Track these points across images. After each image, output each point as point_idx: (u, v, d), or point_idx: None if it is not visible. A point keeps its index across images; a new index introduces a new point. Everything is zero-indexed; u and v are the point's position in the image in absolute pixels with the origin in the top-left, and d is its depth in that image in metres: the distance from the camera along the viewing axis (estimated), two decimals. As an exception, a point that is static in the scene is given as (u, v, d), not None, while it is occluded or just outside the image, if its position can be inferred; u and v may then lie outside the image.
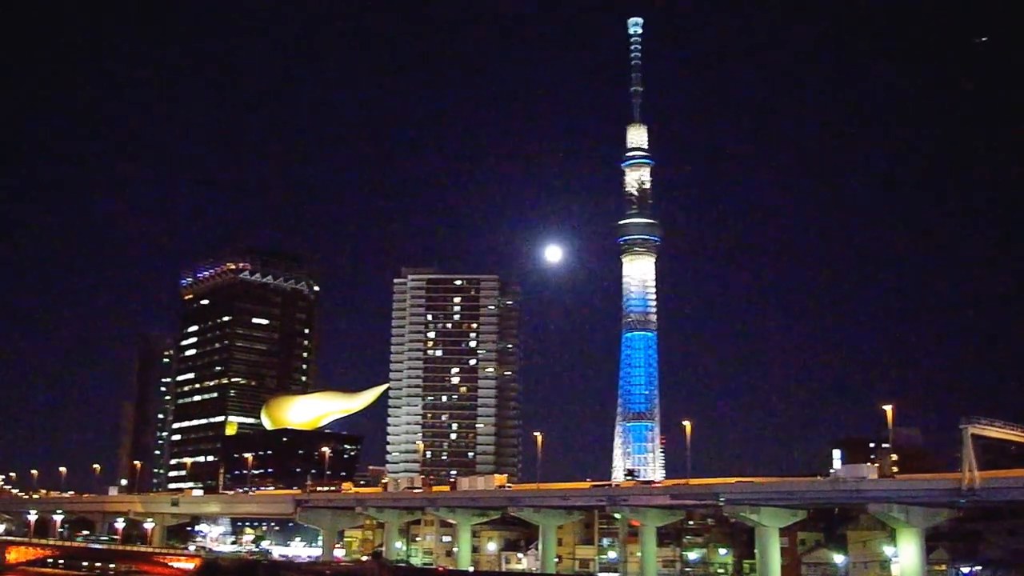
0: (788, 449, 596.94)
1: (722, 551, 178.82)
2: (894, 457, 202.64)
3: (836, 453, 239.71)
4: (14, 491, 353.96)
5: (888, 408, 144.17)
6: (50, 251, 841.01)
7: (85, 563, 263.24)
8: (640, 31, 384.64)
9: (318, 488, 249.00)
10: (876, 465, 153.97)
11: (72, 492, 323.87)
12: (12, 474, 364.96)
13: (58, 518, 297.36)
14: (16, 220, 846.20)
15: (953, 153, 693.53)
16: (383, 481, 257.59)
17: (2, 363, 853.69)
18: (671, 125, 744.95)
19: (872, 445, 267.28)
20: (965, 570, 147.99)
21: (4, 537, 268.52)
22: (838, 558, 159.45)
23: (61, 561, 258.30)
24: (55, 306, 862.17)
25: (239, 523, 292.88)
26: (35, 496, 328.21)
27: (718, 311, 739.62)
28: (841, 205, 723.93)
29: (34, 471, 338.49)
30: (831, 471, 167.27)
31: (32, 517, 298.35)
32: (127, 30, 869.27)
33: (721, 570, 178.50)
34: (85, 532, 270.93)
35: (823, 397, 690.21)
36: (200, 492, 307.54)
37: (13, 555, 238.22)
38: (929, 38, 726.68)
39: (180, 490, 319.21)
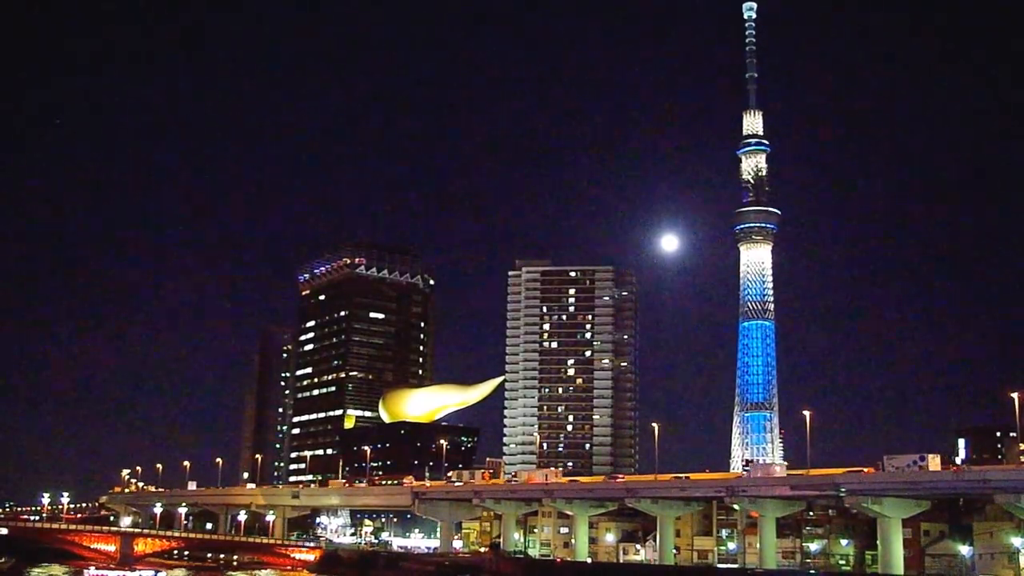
0: (911, 438, 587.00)
1: (843, 542, 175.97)
2: (1022, 446, 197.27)
3: (961, 442, 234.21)
4: (140, 484, 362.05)
5: (1015, 395, 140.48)
6: (173, 249, 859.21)
7: (209, 554, 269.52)
8: (754, 16, 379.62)
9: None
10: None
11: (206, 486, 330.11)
12: (138, 468, 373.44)
13: (182, 511, 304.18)
14: (142, 220, 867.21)
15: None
16: (448, 475, 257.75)
17: (129, 360, 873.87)
18: (788, 110, 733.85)
19: (999, 434, 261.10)
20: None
21: (131, 529, 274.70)
22: (963, 549, 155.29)
23: (186, 552, 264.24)
24: (179, 303, 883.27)
25: (358, 515, 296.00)
26: (161, 489, 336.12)
27: (837, 298, 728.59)
28: (964, 188, 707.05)
29: (159, 465, 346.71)
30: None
31: (157, 510, 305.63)
32: (251, 30, 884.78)
33: (843, 561, 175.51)
34: (297, 532, 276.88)
35: (947, 385, 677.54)
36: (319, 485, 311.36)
37: (140, 546, 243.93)
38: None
39: (300, 483, 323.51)
